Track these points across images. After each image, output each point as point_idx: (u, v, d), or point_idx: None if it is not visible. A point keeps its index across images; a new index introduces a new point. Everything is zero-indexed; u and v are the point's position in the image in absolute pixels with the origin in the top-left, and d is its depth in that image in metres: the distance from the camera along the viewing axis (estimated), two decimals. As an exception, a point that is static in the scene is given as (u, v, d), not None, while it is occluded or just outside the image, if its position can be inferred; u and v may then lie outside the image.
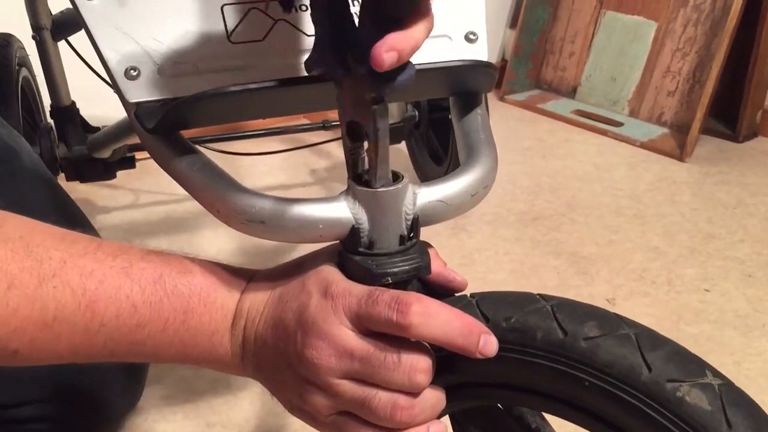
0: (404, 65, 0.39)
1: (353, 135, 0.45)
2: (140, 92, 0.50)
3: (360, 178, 0.45)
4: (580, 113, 2.23)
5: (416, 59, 0.50)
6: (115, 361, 0.47)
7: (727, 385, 0.37)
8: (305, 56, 0.55)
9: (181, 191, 0.50)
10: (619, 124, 2.14)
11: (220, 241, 1.50)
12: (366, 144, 0.45)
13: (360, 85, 0.41)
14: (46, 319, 0.41)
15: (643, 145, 2.02)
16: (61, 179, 1.33)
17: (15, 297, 0.39)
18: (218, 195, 0.46)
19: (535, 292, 0.44)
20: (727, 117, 2.10)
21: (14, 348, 0.41)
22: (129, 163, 1.43)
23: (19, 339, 0.41)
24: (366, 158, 0.45)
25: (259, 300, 0.46)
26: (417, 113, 1.57)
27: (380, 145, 0.42)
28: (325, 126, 1.50)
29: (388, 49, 0.36)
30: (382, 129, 0.42)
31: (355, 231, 0.45)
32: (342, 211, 0.45)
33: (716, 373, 0.38)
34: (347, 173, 0.46)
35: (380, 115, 0.41)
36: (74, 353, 0.43)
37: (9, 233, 0.41)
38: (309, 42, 0.55)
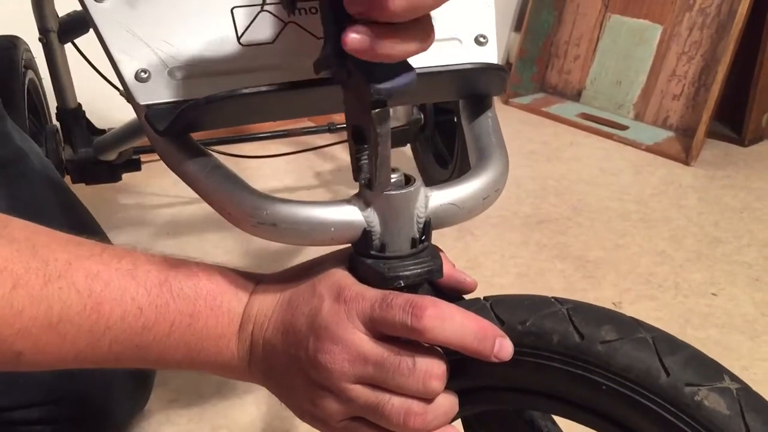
0: (402, 69, 0.38)
1: (358, 138, 0.44)
2: (151, 94, 0.49)
3: (371, 182, 0.45)
4: (585, 116, 2.23)
5: (426, 62, 0.50)
6: (121, 367, 0.46)
7: (745, 390, 0.37)
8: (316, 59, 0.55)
9: (186, 194, 0.50)
10: (624, 128, 2.13)
11: (226, 244, 1.50)
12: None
13: (360, 89, 0.39)
14: (51, 320, 0.40)
15: (649, 149, 2.01)
16: (66, 181, 1.33)
17: (20, 297, 0.39)
18: (230, 197, 0.46)
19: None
20: (733, 121, 2.09)
21: (18, 350, 0.40)
22: (134, 165, 1.43)
23: (24, 340, 0.40)
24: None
25: (268, 304, 0.46)
26: (422, 116, 1.57)
27: (380, 151, 0.41)
28: (330, 129, 1.49)
29: (354, 32, 0.35)
30: (382, 134, 0.40)
31: (367, 234, 0.44)
32: (354, 214, 0.45)
33: (734, 378, 0.37)
34: (353, 176, 0.45)
35: (380, 120, 0.40)
36: (79, 357, 0.43)
37: (14, 234, 0.41)
38: (319, 45, 0.55)
